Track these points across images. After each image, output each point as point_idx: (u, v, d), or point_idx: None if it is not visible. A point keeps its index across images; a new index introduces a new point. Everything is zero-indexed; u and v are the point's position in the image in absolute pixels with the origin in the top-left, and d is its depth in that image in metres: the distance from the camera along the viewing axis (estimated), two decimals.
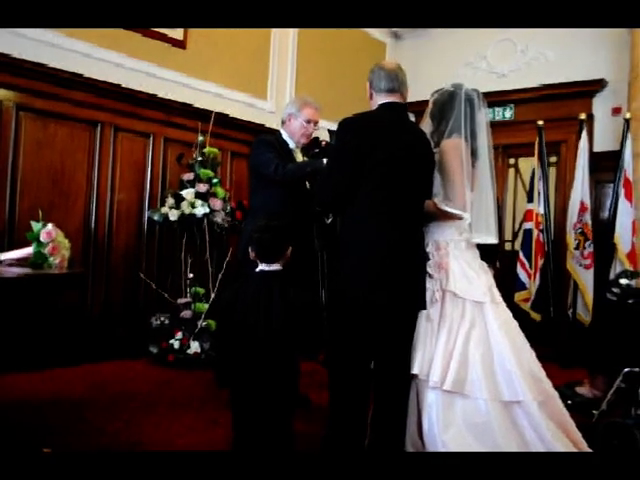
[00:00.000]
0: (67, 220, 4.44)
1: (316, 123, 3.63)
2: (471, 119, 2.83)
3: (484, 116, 2.89)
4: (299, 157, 3.68)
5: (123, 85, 4.76)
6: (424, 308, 2.68)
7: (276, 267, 2.47)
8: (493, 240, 2.89)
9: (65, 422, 3.17)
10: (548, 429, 2.56)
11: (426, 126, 2.89)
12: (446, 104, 2.85)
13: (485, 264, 2.86)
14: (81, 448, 2.83)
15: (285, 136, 3.65)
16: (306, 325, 2.44)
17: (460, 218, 2.73)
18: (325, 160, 3.18)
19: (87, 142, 4.65)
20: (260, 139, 3.60)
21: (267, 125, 5.84)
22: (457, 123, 2.80)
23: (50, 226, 2.64)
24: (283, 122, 3.68)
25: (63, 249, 2.67)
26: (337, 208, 2.87)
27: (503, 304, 2.84)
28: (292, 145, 3.65)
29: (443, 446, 2.52)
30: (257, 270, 2.47)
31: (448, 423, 2.57)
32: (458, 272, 2.75)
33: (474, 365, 2.62)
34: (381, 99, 2.68)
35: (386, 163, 2.53)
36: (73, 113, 4.54)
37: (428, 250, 2.75)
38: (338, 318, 2.59)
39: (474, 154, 2.86)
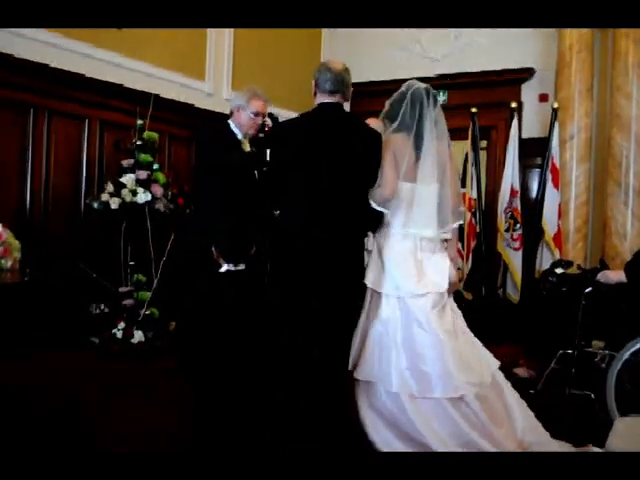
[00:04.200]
0: (0, 208, 4.26)
1: (264, 115, 3.63)
2: (419, 117, 2.89)
3: (433, 114, 2.90)
4: (247, 148, 3.67)
5: (55, 66, 4.57)
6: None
7: (241, 267, 2.51)
8: (430, 233, 2.88)
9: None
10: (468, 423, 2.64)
11: (379, 127, 2.97)
12: (394, 104, 2.93)
13: (443, 256, 2.90)
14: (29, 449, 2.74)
15: (233, 127, 3.63)
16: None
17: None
18: None
19: (19, 126, 4.44)
20: (206, 130, 3.61)
21: (206, 107, 5.77)
22: (403, 120, 2.90)
23: (0, 227, 2.55)
24: (231, 113, 3.65)
25: (15, 251, 2.58)
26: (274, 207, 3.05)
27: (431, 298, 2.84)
28: (240, 136, 3.63)
29: (369, 430, 2.70)
30: (223, 270, 2.48)
31: (369, 409, 2.75)
32: (374, 265, 2.88)
33: (384, 357, 2.74)
34: (322, 99, 2.82)
35: (309, 168, 2.69)
36: (2, 95, 4.31)
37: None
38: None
39: (419, 149, 2.92)
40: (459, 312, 2.95)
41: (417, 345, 2.72)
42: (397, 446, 2.66)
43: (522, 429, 2.75)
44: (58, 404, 3.36)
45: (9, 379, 3.71)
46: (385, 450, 2.65)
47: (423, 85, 2.94)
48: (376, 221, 2.95)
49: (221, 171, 3.42)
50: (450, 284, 2.88)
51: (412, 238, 2.87)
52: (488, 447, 2.57)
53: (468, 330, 2.90)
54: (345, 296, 2.74)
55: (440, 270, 2.87)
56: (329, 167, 2.68)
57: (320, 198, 2.68)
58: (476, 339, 2.90)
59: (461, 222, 3.01)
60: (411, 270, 2.82)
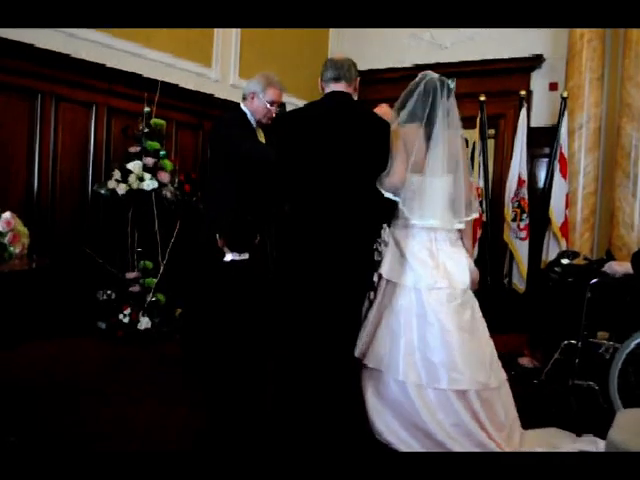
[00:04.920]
0: (8, 194, 4.29)
1: (279, 104, 3.56)
2: (431, 107, 2.85)
3: (446, 105, 2.86)
4: (261, 135, 3.62)
5: (64, 52, 4.56)
6: (370, 290, 2.88)
7: (245, 256, 2.53)
8: (443, 224, 2.85)
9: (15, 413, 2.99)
10: (470, 418, 2.65)
11: (388, 113, 2.96)
12: (407, 95, 2.91)
13: (461, 251, 2.88)
14: (38, 444, 2.69)
15: (247, 113, 3.50)
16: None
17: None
18: None
19: (26, 112, 4.44)
20: (223, 119, 3.54)
21: (212, 94, 5.76)
22: (414, 111, 2.88)
23: (8, 214, 2.56)
24: (244, 98, 3.51)
25: (23, 237, 2.60)
26: (284, 198, 3.03)
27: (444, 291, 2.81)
28: (254, 123, 3.56)
29: (374, 417, 2.73)
30: (228, 260, 2.51)
31: (374, 396, 2.77)
32: (391, 256, 2.88)
33: (394, 346, 2.74)
34: (328, 88, 2.82)
35: (317, 158, 2.67)
36: (10, 82, 4.32)
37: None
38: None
39: (429, 139, 2.91)
40: (483, 321, 2.85)
41: (429, 336, 2.72)
42: (400, 434, 2.68)
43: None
44: (62, 395, 3.35)
45: (15, 369, 3.75)
46: (387, 437, 2.68)
47: (437, 75, 2.90)
48: (388, 211, 2.94)
49: (237, 162, 3.38)
50: (472, 280, 2.85)
51: (426, 231, 2.85)
52: (489, 442, 2.60)
53: (488, 335, 2.85)
54: (352, 288, 2.74)
55: (460, 265, 2.83)
56: (336, 157, 2.67)
57: (328, 189, 2.67)
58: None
59: (476, 215, 2.98)
60: (428, 262, 2.80)
